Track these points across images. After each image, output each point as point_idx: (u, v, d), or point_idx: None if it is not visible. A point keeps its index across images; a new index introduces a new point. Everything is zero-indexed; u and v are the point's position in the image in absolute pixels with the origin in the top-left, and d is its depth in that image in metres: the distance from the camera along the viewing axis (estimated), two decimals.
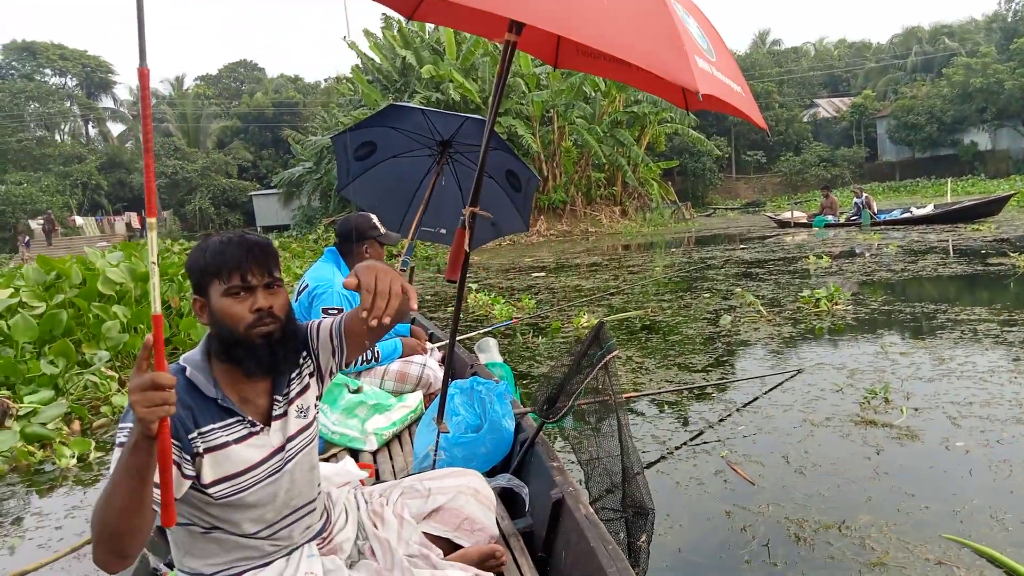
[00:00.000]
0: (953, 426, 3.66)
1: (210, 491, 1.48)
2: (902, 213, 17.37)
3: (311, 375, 1.69)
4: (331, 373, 1.73)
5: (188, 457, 1.44)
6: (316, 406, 1.71)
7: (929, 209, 16.92)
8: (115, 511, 1.21)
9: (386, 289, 1.36)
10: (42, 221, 33.71)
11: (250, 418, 1.54)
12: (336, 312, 3.13)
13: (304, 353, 1.68)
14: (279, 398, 1.60)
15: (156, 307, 1.14)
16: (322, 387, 1.73)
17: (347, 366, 1.94)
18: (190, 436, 1.45)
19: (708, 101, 1.83)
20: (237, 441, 1.51)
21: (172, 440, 1.35)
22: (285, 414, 1.61)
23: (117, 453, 1.29)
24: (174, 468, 1.36)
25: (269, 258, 1.53)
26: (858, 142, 45.48)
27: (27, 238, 30.56)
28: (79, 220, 38.10)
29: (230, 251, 1.49)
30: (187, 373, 1.51)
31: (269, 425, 1.57)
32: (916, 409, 3.95)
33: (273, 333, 1.51)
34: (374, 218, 3.44)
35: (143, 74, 1.09)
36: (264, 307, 1.50)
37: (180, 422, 1.44)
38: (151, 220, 1.13)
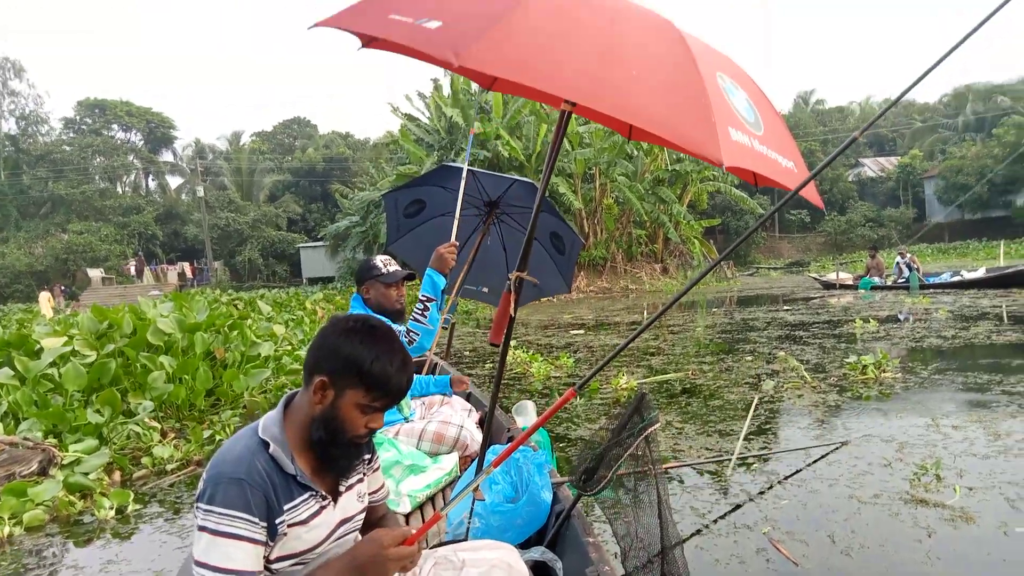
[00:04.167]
0: (1011, 509, 3.47)
1: (272, 567, 1.50)
2: (952, 276, 16.92)
3: (367, 468, 1.77)
4: None
5: (271, 542, 1.46)
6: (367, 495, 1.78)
7: (981, 273, 16.44)
8: None
9: None
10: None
11: (321, 492, 1.56)
12: None
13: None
14: (342, 478, 1.64)
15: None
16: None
17: None
18: (277, 520, 1.46)
19: (743, 174, 1.84)
20: (310, 517, 1.53)
21: (260, 522, 1.41)
22: (347, 491, 1.65)
23: (211, 540, 1.37)
24: (259, 550, 1.43)
25: None
26: (905, 202, 44.85)
27: (62, 287, 32.69)
28: (134, 269, 39.65)
29: (401, 383, 1.53)
30: (270, 450, 1.50)
31: (336, 501, 1.61)
32: (970, 488, 3.77)
33: (366, 444, 1.62)
34: (376, 259, 3.49)
35: None
36: (377, 428, 1.57)
37: (276, 503, 1.46)
38: None
